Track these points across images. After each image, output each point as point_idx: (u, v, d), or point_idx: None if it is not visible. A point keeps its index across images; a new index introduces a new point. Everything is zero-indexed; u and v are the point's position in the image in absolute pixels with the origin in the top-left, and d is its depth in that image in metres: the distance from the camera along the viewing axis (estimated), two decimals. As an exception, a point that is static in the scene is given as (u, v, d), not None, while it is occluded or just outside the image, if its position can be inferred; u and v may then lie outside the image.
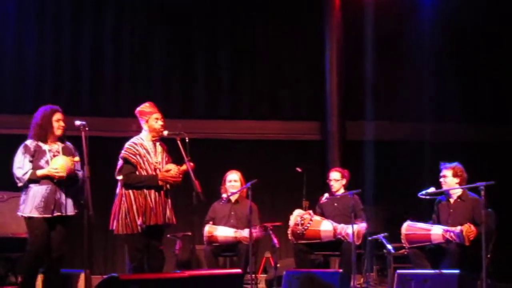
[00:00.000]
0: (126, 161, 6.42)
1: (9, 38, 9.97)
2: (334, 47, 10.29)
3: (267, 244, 8.69)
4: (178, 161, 6.49)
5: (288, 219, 7.88)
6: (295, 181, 8.78)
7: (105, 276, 5.48)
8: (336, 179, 8.15)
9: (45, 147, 6.28)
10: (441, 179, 7.39)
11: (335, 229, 7.70)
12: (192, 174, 6.34)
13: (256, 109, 10.54)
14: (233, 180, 8.13)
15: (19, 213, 6.23)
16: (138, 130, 6.66)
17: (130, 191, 6.37)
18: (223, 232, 7.87)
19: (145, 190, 6.38)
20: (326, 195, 8.18)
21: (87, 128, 6.20)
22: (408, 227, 7.34)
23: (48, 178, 6.18)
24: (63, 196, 6.25)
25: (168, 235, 8.18)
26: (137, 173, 6.40)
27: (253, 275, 7.51)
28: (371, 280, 8.45)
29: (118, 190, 6.46)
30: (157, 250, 6.49)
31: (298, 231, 7.75)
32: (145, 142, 6.52)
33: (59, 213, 6.20)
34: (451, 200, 7.41)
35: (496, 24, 10.57)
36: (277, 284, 7.94)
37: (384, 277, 8.50)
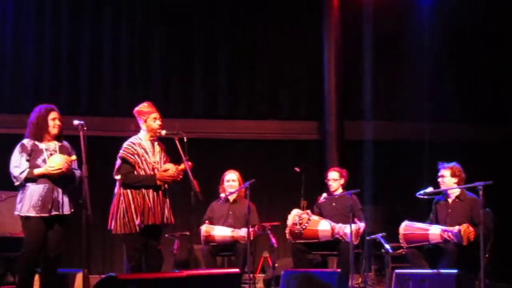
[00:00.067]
0: (124, 160, 6.43)
1: (7, 38, 9.96)
2: (333, 47, 10.29)
3: (265, 243, 8.69)
4: (176, 160, 6.50)
5: (286, 218, 7.89)
6: (293, 181, 8.78)
7: (103, 276, 5.48)
8: (335, 178, 8.16)
9: (41, 146, 6.28)
10: (439, 179, 7.40)
11: (333, 229, 7.70)
12: (190, 174, 6.35)
13: (254, 109, 10.54)
14: (231, 180, 8.14)
15: (16, 212, 6.21)
16: (137, 129, 6.67)
17: (128, 191, 6.37)
18: (221, 232, 7.87)
19: (143, 190, 6.39)
20: (324, 195, 8.18)
21: (85, 128, 6.20)
22: (406, 227, 7.34)
23: (45, 177, 6.17)
24: (61, 195, 6.24)
25: (166, 235, 8.18)
26: (135, 172, 6.41)
27: (251, 275, 7.50)
28: (369, 280, 8.45)
29: (116, 190, 6.47)
30: (155, 249, 6.50)
31: (296, 231, 7.75)
32: (143, 142, 6.53)
33: (56, 212, 6.19)
34: (449, 200, 7.42)
35: (496, 24, 10.56)
36: (275, 284, 7.94)
37: (382, 277, 8.50)
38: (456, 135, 10.34)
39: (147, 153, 6.49)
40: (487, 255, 6.86)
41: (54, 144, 6.35)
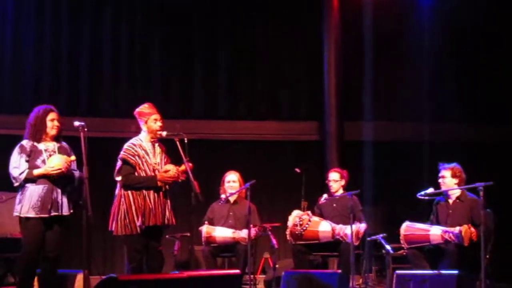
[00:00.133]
0: (125, 162, 6.42)
1: (7, 38, 9.96)
2: (332, 48, 10.28)
3: (266, 244, 8.69)
4: (177, 161, 6.50)
5: (287, 219, 7.88)
6: (294, 182, 8.77)
7: (103, 277, 5.47)
8: (335, 179, 8.15)
9: (41, 146, 6.27)
10: (440, 180, 7.40)
11: (333, 230, 7.70)
12: (190, 175, 6.35)
13: (254, 109, 10.53)
14: (232, 181, 8.14)
15: (16, 213, 6.19)
16: (137, 131, 6.67)
17: (129, 192, 6.37)
18: (221, 233, 7.87)
19: (144, 191, 6.38)
20: (325, 195, 8.18)
21: (86, 129, 6.21)
22: (407, 227, 7.34)
23: (44, 177, 6.16)
24: (60, 196, 6.22)
25: (167, 236, 8.18)
26: (136, 174, 6.41)
27: (252, 276, 7.50)
28: (370, 281, 8.45)
29: (117, 191, 6.46)
30: (156, 250, 6.49)
31: (297, 232, 7.74)
32: (144, 143, 6.52)
33: (56, 213, 6.17)
34: (450, 201, 7.42)
35: (496, 24, 10.54)
36: (276, 285, 7.94)
37: (383, 278, 8.49)
38: (456, 135, 10.34)
39: (147, 154, 6.49)
40: (487, 256, 6.86)
41: (53, 145, 6.34)
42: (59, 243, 6.25)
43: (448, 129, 10.43)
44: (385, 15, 10.34)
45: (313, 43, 10.52)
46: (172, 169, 6.43)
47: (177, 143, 6.42)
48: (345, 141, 10.18)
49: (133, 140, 6.54)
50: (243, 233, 7.70)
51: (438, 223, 7.39)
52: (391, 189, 9.84)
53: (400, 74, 10.52)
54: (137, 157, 6.43)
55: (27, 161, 6.19)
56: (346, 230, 7.57)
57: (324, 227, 7.76)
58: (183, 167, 6.42)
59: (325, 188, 8.29)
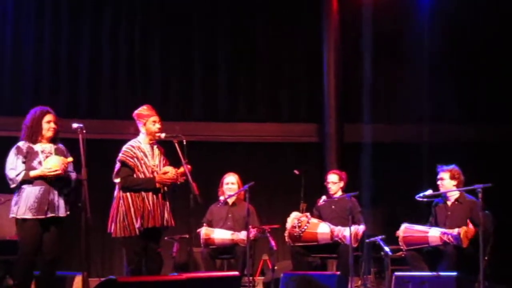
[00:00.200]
0: (123, 164, 6.43)
1: (7, 38, 9.97)
2: (332, 49, 10.27)
3: (264, 246, 8.69)
4: (176, 163, 6.50)
5: (286, 221, 7.89)
6: (293, 184, 8.77)
7: (102, 279, 5.47)
8: (334, 181, 8.15)
9: (37, 148, 6.26)
10: (439, 182, 7.41)
11: (332, 232, 7.70)
12: (189, 177, 6.35)
13: (254, 111, 10.53)
14: (231, 183, 8.14)
15: (12, 215, 6.19)
16: (136, 132, 6.67)
17: (128, 194, 6.38)
18: (220, 235, 7.87)
19: (143, 193, 6.39)
20: (324, 197, 8.18)
21: (84, 131, 6.21)
22: (406, 229, 7.34)
23: (41, 178, 6.15)
24: (56, 197, 6.22)
25: (166, 238, 8.17)
26: (135, 176, 6.41)
27: (251, 278, 7.51)
28: (369, 283, 8.43)
29: (116, 193, 6.47)
30: (155, 252, 6.50)
31: (295, 234, 7.74)
32: (143, 145, 6.53)
33: (52, 214, 6.16)
34: (449, 203, 7.42)
35: (496, 24, 10.54)
36: (275, 287, 7.91)
37: (381, 280, 8.48)
38: (456, 135, 10.33)
39: (146, 156, 6.50)
40: (486, 258, 6.87)
41: (50, 146, 6.33)
42: (56, 245, 6.24)
43: (448, 130, 10.43)
44: (385, 16, 10.33)
45: (313, 43, 10.51)
46: (171, 171, 6.43)
47: (176, 145, 6.42)
48: (344, 143, 10.17)
49: (132, 142, 6.54)
50: (242, 235, 7.70)
51: (436, 224, 7.40)
52: (390, 191, 9.83)
53: (400, 75, 10.51)
54: (135, 159, 6.43)
55: (23, 162, 6.18)
56: (345, 232, 7.57)
57: (323, 229, 7.76)
58: (182, 169, 6.42)
59: (324, 190, 8.29)
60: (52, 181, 6.18)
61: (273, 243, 7.76)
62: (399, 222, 7.49)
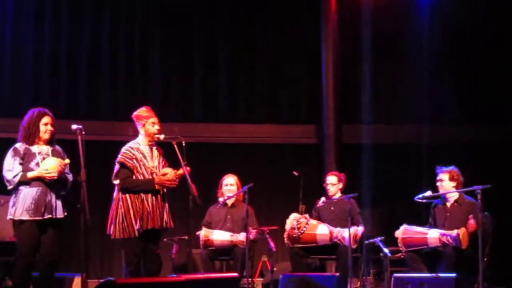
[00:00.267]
0: (122, 165, 6.43)
1: (7, 39, 9.96)
2: (331, 49, 10.26)
3: (263, 247, 8.68)
4: (175, 165, 6.50)
5: (285, 223, 7.88)
6: (292, 185, 8.76)
7: (101, 280, 5.47)
8: (333, 183, 8.14)
9: (34, 149, 6.24)
10: (438, 183, 7.41)
11: (331, 233, 7.70)
12: (188, 178, 6.35)
13: (253, 112, 10.53)
14: (230, 184, 8.14)
15: (9, 216, 6.17)
16: (135, 134, 6.67)
17: (127, 196, 6.38)
18: (219, 236, 7.87)
19: (142, 194, 6.39)
20: (323, 199, 8.17)
21: (83, 132, 6.20)
22: (405, 230, 7.34)
23: (38, 180, 6.14)
24: (54, 199, 6.20)
25: (165, 239, 8.18)
26: (134, 177, 6.41)
27: (250, 279, 7.52)
28: (368, 284, 8.42)
29: (115, 195, 6.47)
30: (154, 254, 6.50)
31: (294, 235, 7.74)
32: (142, 147, 6.53)
33: (49, 215, 6.15)
34: (448, 204, 7.43)
35: (496, 24, 10.53)
36: (274, 288, 7.94)
37: (380, 281, 8.48)
38: (456, 135, 10.33)
39: (145, 157, 6.50)
40: (485, 259, 6.87)
41: (47, 148, 6.30)
42: (55, 246, 6.22)
43: (448, 130, 10.42)
44: (384, 16, 10.32)
45: (313, 43, 10.50)
46: (170, 172, 6.44)
47: (175, 146, 6.42)
48: (343, 144, 10.16)
49: (131, 144, 6.54)
50: (241, 236, 7.70)
51: (436, 226, 7.40)
52: (389, 192, 9.83)
53: (399, 75, 10.51)
54: (134, 161, 6.43)
55: (20, 164, 6.17)
56: (344, 233, 7.57)
57: (322, 230, 7.76)
58: (180, 171, 6.42)
59: (323, 191, 8.28)
60: (49, 183, 6.17)
61: (272, 244, 7.77)
62: (398, 223, 7.49)
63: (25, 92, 9.91)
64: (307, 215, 7.93)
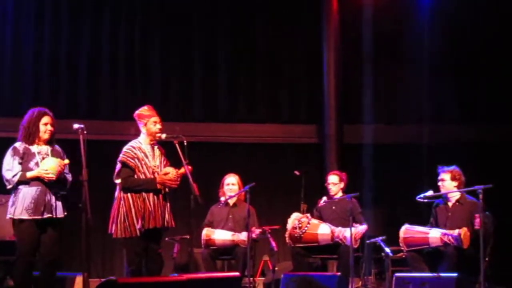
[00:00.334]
0: (124, 164, 6.42)
1: (7, 39, 9.96)
2: (332, 49, 10.26)
3: (265, 247, 8.68)
4: (176, 164, 6.49)
5: (286, 222, 7.88)
6: (293, 184, 8.77)
7: (103, 280, 5.46)
8: (334, 182, 8.14)
9: (34, 149, 6.22)
10: (439, 183, 7.40)
11: (332, 232, 7.69)
12: (190, 177, 6.34)
13: (254, 112, 10.52)
14: (231, 184, 8.13)
15: (9, 216, 6.16)
16: (137, 133, 6.66)
17: (129, 195, 6.37)
18: (221, 236, 7.87)
19: (143, 194, 6.39)
20: (324, 198, 8.17)
21: (85, 131, 6.20)
22: (406, 230, 7.34)
23: (38, 179, 6.12)
24: (53, 198, 6.18)
25: (166, 239, 8.17)
26: (136, 176, 6.40)
27: (251, 278, 7.52)
28: (369, 283, 8.43)
29: (116, 194, 6.46)
30: (155, 253, 6.49)
31: (296, 235, 7.74)
32: (143, 146, 6.52)
33: (49, 215, 6.13)
34: (449, 204, 7.42)
35: (496, 24, 10.54)
36: (275, 287, 7.93)
37: (382, 281, 8.48)
38: (456, 135, 10.33)
39: (147, 157, 6.49)
40: (487, 259, 6.87)
41: (46, 148, 6.29)
42: (55, 246, 6.20)
43: (448, 130, 10.43)
44: (385, 16, 10.34)
45: (313, 43, 10.50)
46: (171, 171, 6.43)
47: (177, 145, 6.41)
48: (344, 144, 10.16)
49: (133, 143, 6.53)
50: (243, 236, 7.70)
51: (437, 225, 7.40)
52: (390, 192, 9.84)
53: (400, 75, 10.51)
54: (136, 160, 6.43)
55: (20, 163, 6.15)
56: (346, 233, 7.56)
57: (324, 229, 7.75)
58: (182, 170, 6.42)
59: (325, 191, 8.28)
60: (48, 183, 6.15)
61: (273, 244, 7.77)
62: (399, 223, 7.49)
63: (25, 92, 9.90)
64: (308, 215, 7.93)
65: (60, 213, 6.23)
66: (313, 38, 10.49)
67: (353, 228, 7.43)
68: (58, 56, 10.08)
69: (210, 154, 10.07)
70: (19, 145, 6.25)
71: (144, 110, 6.60)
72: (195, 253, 7.95)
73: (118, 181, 6.43)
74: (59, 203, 6.23)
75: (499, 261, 7.33)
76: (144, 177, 6.41)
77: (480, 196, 6.67)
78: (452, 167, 7.38)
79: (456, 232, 7.03)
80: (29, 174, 6.12)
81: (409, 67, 10.50)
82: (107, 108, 10.16)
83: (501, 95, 10.43)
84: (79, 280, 7.09)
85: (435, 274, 6.82)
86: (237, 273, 6.59)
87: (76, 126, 6.21)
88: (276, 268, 8.41)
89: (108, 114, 10.10)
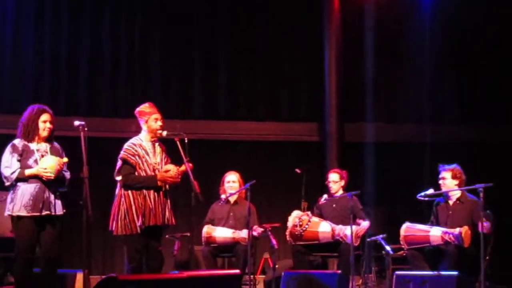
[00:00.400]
0: (125, 161, 6.42)
1: (7, 38, 9.95)
2: (333, 48, 10.27)
3: (265, 245, 8.69)
4: (177, 161, 6.49)
5: (287, 220, 7.88)
6: (294, 182, 8.77)
7: (103, 277, 5.47)
8: (335, 180, 8.15)
9: (33, 146, 6.20)
10: (440, 181, 7.40)
11: (333, 230, 7.70)
12: (191, 175, 6.34)
13: (254, 110, 10.53)
14: (232, 181, 8.13)
15: (8, 212, 6.13)
16: (138, 130, 6.66)
17: (129, 192, 6.36)
18: (222, 233, 7.87)
19: (144, 191, 6.38)
20: (325, 196, 8.17)
21: (86, 129, 6.19)
22: (407, 228, 7.34)
23: (36, 177, 6.10)
24: (52, 196, 6.16)
25: (167, 236, 8.17)
26: (136, 173, 6.40)
27: (252, 276, 7.51)
28: (370, 282, 8.43)
29: (117, 191, 6.46)
30: (156, 250, 6.48)
31: (296, 232, 7.74)
32: (144, 143, 6.52)
33: (47, 212, 6.10)
34: (450, 202, 7.42)
35: (496, 24, 10.55)
36: (276, 285, 7.93)
37: (382, 279, 8.48)
38: (456, 135, 10.34)
39: (148, 154, 6.49)
40: (487, 257, 6.87)
41: (45, 145, 6.26)
42: (55, 244, 6.17)
43: (448, 130, 10.45)
44: (386, 15, 10.37)
45: (313, 43, 10.51)
46: (172, 169, 6.42)
47: (177, 143, 6.41)
48: (345, 142, 10.17)
49: (133, 140, 6.53)
50: (243, 233, 7.70)
51: (438, 224, 7.39)
52: (391, 190, 9.85)
53: (401, 75, 10.51)
54: (137, 157, 6.42)
55: (18, 160, 6.13)
56: (346, 231, 7.56)
57: (324, 227, 7.75)
58: (183, 167, 6.42)
59: (325, 189, 8.29)
60: (47, 181, 6.13)
61: (274, 241, 7.77)
62: (400, 221, 7.49)
63: (25, 92, 9.88)
64: (309, 213, 7.93)
65: (59, 210, 6.21)
66: (313, 38, 10.50)
67: (355, 226, 7.44)
68: (58, 56, 10.07)
69: (211, 151, 10.07)
70: (18, 142, 6.23)
71: (145, 107, 6.59)
72: (196, 250, 7.96)
73: (118, 178, 6.42)
74: (58, 201, 6.20)
75: (499, 260, 7.33)
76: (144, 174, 6.40)
77: (481, 194, 6.66)
78: (453, 166, 7.38)
79: (457, 230, 7.03)
80: (27, 172, 6.10)
81: (410, 66, 10.50)
82: (108, 106, 10.15)
83: (501, 95, 10.44)
84: (79, 277, 7.09)
85: (435, 273, 6.82)
86: (237, 271, 6.59)
87: (77, 123, 6.20)
88: (277, 266, 8.43)
89: (108, 112, 10.09)
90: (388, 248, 7.33)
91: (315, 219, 7.85)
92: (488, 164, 9.80)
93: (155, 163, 6.48)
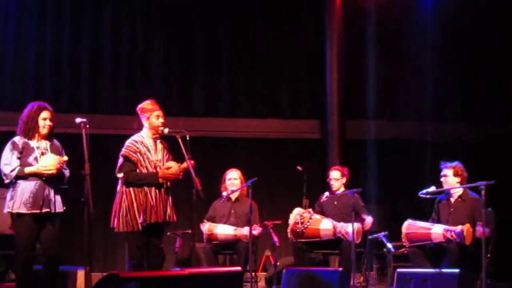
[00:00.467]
0: (126, 159, 6.42)
1: (10, 38, 9.96)
2: (335, 46, 10.27)
3: (267, 242, 8.69)
4: (179, 158, 6.49)
5: (288, 217, 7.88)
6: (295, 180, 8.78)
7: (105, 274, 5.47)
8: (336, 178, 8.14)
9: (33, 144, 6.19)
10: (442, 179, 7.39)
11: (334, 228, 7.70)
12: (192, 172, 6.35)
13: (256, 108, 10.53)
14: (233, 178, 8.12)
15: (7, 210, 6.12)
16: (139, 128, 6.66)
17: (131, 189, 6.37)
18: (223, 230, 7.87)
19: (145, 188, 6.38)
20: (327, 193, 8.17)
21: (87, 126, 6.19)
22: (409, 226, 7.33)
23: (36, 175, 6.10)
24: (52, 193, 6.15)
25: (168, 233, 8.18)
26: (138, 171, 6.40)
27: (253, 273, 7.51)
28: (371, 279, 8.43)
29: (118, 188, 6.46)
30: (157, 248, 6.49)
31: (298, 230, 7.74)
32: (146, 140, 6.52)
33: (47, 209, 6.10)
34: (452, 200, 7.41)
35: (496, 24, 10.55)
36: (277, 282, 7.93)
37: (384, 276, 8.49)
38: (457, 134, 10.35)
39: (149, 151, 6.49)
40: (489, 255, 6.86)
41: (45, 143, 6.26)
42: (55, 242, 6.16)
43: (449, 129, 10.46)
44: (387, 15, 10.37)
45: (313, 43, 10.52)
46: (174, 166, 6.42)
47: (179, 140, 6.42)
48: (347, 140, 10.18)
49: (135, 137, 6.53)
50: (245, 231, 7.70)
51: (439, 221, 7.38)
52: (392, 188, 9.86)
53: (401, 73, 10.52)
54: (138, 154, 6.42)
55: (18, 158, 6.12)
56: (348, 228, 7.56)
57: (326, 225, 7.75)
58: (184, 164, 6.42)
59: (327, 186, 8.28)
60: (47, 178, 6.11)
61: (275, 239, 7.77)
62: (401, 218, 7.48)
63: (27, 92, 9.87)
64: (310, 210, 7.93)
65: (59, 208, 6.20)
66: (313, 38, 10.52)
67: (357, 224, 7.44)
68: (60, 56, 10.08)
69: (212, 149, 10.07)
70: (18, 139, 6.22)
71: (147, 104, 6.59)
72: (197, 247, 7.96)
73: (120, 175, 6.43)
74: (58, 198, 6.20)
75: (501, 258, 7.33)
76: (146, 171, 6.41)
77: (483, 192, 6.65)
78: (455, 163, 7.37)
79: (459, 228, 7.02)
80: (27, 170, 6.10)
81: (411, 64, 10.51)
82: (109, 103, 10.15)
83: (501, 95, 10.45)
84: (81, 274, 7.10)
85: (437, 270, 6.81)
86: (239, 268, 6.57)
87: (78, 120, 6.19)
88: (278, 263, 8.42)
89: (110, 109, 10.10)
90: (389, 245, 7.31)
91: (316, 216, 7.85)
92: (488, 164, 9.79)
93: (157, 160, 6.49)
